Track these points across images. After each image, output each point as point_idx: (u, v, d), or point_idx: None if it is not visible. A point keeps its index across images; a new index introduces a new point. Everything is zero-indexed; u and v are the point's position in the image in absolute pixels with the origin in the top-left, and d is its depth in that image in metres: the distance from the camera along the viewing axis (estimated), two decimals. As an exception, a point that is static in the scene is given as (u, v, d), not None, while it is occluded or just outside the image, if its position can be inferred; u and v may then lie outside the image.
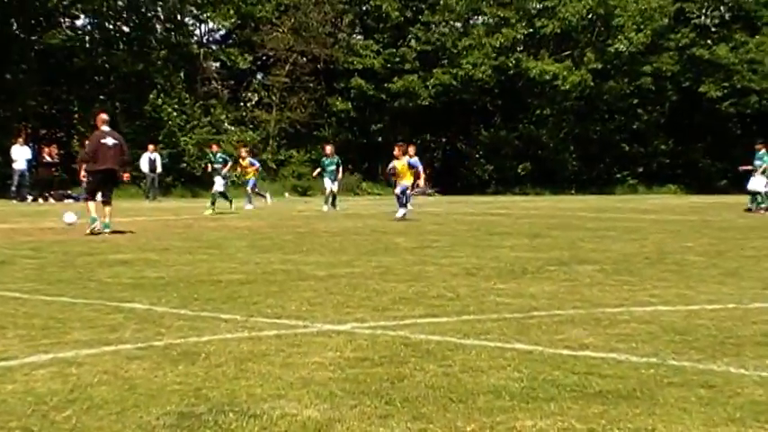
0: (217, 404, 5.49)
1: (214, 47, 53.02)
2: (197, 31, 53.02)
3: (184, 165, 45.26)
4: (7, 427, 5.00)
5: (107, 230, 18.98)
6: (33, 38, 48.21)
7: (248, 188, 32.82)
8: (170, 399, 5.63)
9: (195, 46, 51.98)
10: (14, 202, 37.40)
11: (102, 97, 49.37)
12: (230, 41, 53.53)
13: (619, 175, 60.63)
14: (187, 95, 47.36)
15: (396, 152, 25.09)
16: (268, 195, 34.21)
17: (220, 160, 30.27)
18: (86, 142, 19.65)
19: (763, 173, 30.56)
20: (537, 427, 5.08)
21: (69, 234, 19.56)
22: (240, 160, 33.50)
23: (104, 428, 4.99)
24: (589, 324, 8.25)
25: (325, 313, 8.91)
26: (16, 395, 5.70)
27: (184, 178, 45.44)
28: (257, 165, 33.63)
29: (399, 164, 24.89)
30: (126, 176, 20.25)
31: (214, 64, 52.94)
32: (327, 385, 6.00)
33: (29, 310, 9.02)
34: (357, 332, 7.93)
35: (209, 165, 31.56)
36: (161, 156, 41.90)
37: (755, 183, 30.82)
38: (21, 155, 38.92)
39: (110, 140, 19.18)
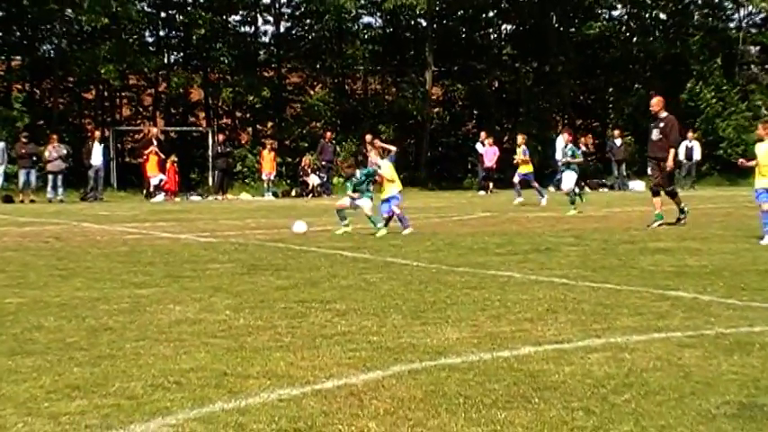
0: (778, 396, 5.33)
1: (753, 30, 51.05)
2: (735, 15, 51.37)
3: (721, 152, 44.15)
4: (570, 407, 5.21)
5: (658, 222, 18.09)
6: (571, 30, 49.63)
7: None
8: (728, 388, 5.56)
9: (734, 30, 50.46)
10: (552, 190, 38.81)
11: (636, 86, 49.62)
12: (770, 24, 51.30)
13: None
14: (725, 81, 46.09)
15: None
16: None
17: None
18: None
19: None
20: None
21: (608, 222, 19.91)
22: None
23: (664, 414, 5.04)
24: None
25: None
26: (575, 377, 5.91)
27: (720, 166, 44.34)
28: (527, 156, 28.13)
29: None
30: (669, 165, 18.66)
31: (753, 48, 51.00)
32: None
33: (577, 296, 9.30)
34: None
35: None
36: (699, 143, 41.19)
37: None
38: (559, 145, 40.30)
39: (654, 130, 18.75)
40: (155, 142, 37.19)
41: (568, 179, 23.74)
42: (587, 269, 11.60)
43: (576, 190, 23.85)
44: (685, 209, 18.57)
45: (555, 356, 6.51)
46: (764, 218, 14.56)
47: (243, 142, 46.90)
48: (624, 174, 40.96)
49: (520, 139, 28.75)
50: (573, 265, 12.10)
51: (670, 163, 18.49)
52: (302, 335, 7.44)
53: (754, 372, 5.94)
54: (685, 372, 5.99)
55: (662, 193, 18.57)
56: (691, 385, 5.63)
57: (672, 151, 18.54)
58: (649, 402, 5.28)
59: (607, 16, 51.49)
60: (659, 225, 17.92)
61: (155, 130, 39.87)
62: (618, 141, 40.93)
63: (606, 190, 39.28)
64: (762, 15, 51.48)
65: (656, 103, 18.98)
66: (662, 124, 18.56)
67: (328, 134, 41.62)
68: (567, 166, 24.01)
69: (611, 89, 50.78)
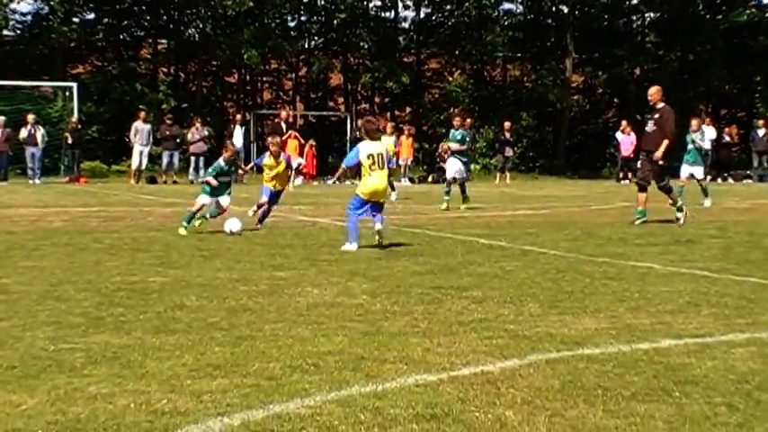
0: None
1: None
2: None
3: None
4: (712, 402, 5.08)
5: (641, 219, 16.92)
6: (718, 17, 48.33)
7: None
8: None
9: None
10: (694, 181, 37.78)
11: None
12: None
13: None
14: None
15: None
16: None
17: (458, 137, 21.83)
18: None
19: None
20: None
21: (753, 215, 19.36)
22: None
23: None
24: None
25: None
26: (718, 372, 5.76)
27: None
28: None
29: None
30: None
31: None
32: None
33: (719, 289, 9.08)
34: None
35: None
36: None
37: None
38: (706, 135, 38.91)
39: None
40: (284, 126, 37.56)
41: (451, 166, 21.42)
42: (730, 262, 11.30)
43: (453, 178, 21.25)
44: (683, 207, 17.08)
45: (696, 350, 6.37)
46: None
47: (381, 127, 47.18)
48: (765, 165, 39.67)
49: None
50: (715, 257, 11.81)
51: (659, 154, 16.88)
52: (438, 321, 7.43)
53: None
54: None
55: (648, 189, 17.18)
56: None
57: (665, 142, 16.91)
58: (795, 399, 5.12)
59: (756, 2, 49.90)
60: (641, 222, 16.76)
61: (283, 113, 40.16)
62: (761, 132, 39.65)
63: (750, 181, 38.18)
64: None
65: (654, 92, 17.58)
66: (657, 115, 17.17)
67: (468, 120, 41.34)
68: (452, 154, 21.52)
69: (758, 78, 49.22)
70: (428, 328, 7.16)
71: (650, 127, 17.24)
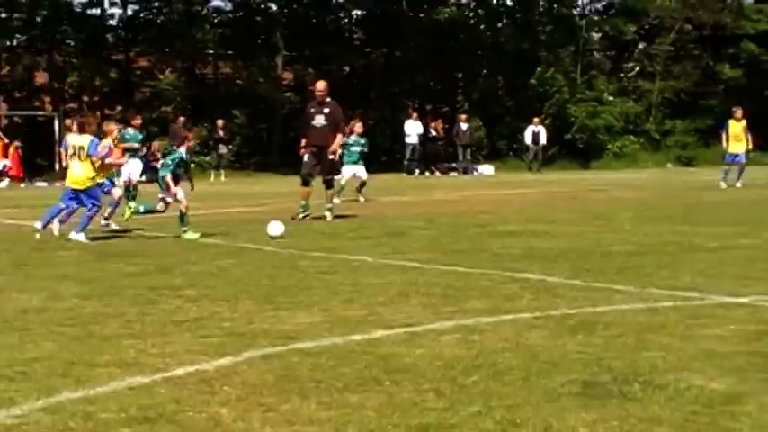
0: (620, 374, 5.51)
1: (596, 17, 52.44)
2: (579, 2, 52.45)
3: (569, 137, 45.21)
4: (420, 389, 5.27)
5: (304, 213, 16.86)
6: (421, 15, 49.93)
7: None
8: (572, 367, 5.72)
9: (578, 17, 51.56)
10: (404, 175, 39.04)
11: (484, 72, 50.33)
12: (613, 11, 52.64)
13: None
14: (573, 68, 47.31)
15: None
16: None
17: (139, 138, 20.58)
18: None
19: None
20: None
21: (458, 206, 20.20)
22: None
23: (511, 394, 5.14)
24: None
25: (722, 285, 8.67)
26: (426, 359, 5.99)
27: (567, 150, 45.43)
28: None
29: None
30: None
31: (595, 35, 52.44)
32: (732, 358, 5.87)
33: (428, 279, 9.42)
34: (759, 305, 7.68)
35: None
36: (545, 128, 42.06)
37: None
38: (414, 129, 40.40)
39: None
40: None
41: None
42: (438, 252, 11.75)
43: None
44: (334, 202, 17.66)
45: (406, 339, 6.59)
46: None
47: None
48: (469, 158, 41.54)
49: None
50: (424, 248, 12.24)
51: (335, 147, 17.27)
52: (152, 322, 7.33)
53: (597, 351, 6.12)
54: (532, 352, 6.13)
55: (313, 183, 17.22)
56: (537, 365, 5.77)
57: (339, 137, 17.43)
58: (497, 383, 5.39)
59: (455, 1, 51.92)
60: (304, 216, 16.78)
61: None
62: (464, 126, 41.42)
63: (456, 174, 39.79)
64: (604, 2, 52.95)
65: (323, 87, 17.61)
66: (327, 110, 17.14)
67: (181, 119, 40.76)
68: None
69: (460, 75, 51.33)
70: (142, 329, 7.05)
71: (320, 122, 17.11)
